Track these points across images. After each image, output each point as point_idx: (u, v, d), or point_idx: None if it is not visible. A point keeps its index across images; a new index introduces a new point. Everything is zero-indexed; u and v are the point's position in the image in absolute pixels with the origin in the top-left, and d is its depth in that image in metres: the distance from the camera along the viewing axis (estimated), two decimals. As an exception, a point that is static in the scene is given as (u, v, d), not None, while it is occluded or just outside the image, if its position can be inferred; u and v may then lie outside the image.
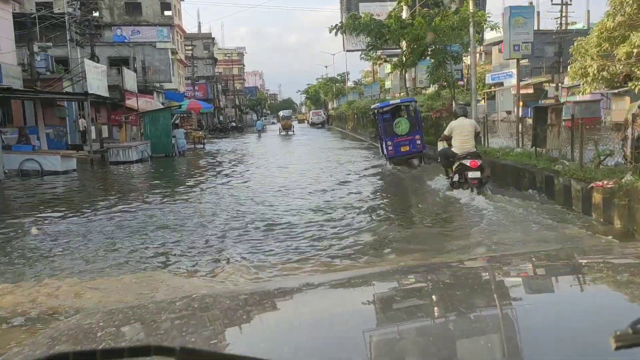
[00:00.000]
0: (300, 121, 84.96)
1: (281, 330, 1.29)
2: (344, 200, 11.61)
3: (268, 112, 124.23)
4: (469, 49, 13.85)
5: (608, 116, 26.85)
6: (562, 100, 26.77)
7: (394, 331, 1.17)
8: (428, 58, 14.80)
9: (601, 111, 28.40)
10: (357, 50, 26.69)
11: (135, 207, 11.70)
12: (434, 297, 1.50)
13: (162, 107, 29.34)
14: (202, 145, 32.29)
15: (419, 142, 16.36)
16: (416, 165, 16.31)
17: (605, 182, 8.12)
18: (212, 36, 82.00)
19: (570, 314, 1.21)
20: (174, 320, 1.38)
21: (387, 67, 70.17)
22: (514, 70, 31.37)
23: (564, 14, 35.39)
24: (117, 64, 42.53)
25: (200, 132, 35.00)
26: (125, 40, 43.51)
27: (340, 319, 1.30)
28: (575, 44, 11.79)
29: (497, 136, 15.96)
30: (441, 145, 12.08)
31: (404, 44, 20.89)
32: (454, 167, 10.94)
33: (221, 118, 64.98)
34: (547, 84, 36.65)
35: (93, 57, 27.97)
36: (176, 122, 26.67)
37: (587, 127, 11.35)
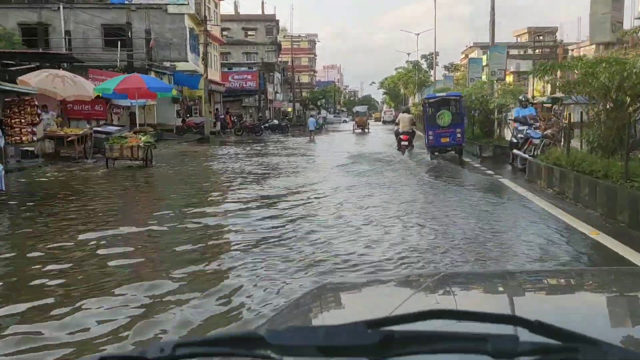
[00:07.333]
0: (377, 119, 76.17)
1: None
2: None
3: (343, 109, 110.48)
4: None
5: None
6: None
7: None
8: None
9: None
10: None
11: None
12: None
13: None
14: (145, 163, 15.45)
15: (459, 135, 17.08)
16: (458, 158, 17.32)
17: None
18: (277, 19, 70.01)
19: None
20: None
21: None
22: None
23: None
24: (115, 34, 30.84)
25: (141, 136, 15.81)
26: (126, 2, 31.35)
27: None
28: None
29: None
30: (395, 127, 20.99)
31: None
32: (397, 139, 19.43)
33: (267, 113, 51.81)
34: None
35: None
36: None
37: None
